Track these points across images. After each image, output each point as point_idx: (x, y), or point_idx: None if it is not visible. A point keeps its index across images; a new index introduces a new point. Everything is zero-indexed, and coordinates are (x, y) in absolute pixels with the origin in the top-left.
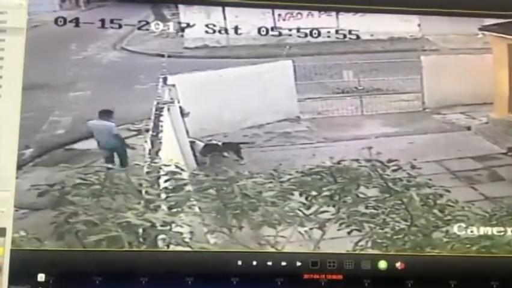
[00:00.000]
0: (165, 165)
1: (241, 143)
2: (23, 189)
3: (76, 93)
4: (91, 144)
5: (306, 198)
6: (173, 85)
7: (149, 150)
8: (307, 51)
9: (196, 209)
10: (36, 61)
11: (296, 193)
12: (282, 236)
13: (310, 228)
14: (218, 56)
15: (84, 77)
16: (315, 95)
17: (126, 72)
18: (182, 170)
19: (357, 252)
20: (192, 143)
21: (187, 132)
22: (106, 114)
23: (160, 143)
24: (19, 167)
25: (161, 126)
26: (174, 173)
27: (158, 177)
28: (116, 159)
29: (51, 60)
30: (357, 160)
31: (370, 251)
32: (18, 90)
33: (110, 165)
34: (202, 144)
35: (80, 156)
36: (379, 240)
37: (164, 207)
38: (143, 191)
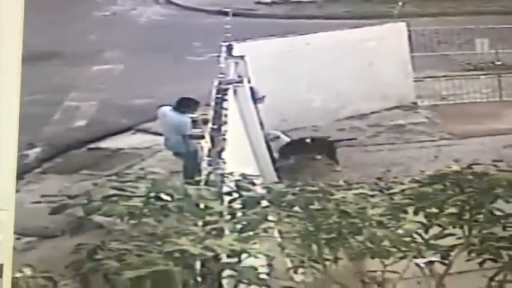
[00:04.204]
0: (230, 174)
1: (337, 141)
2: (26, 207)
3: (103, 67)
4: (125, 140)
5: (426, 217)
6: (242, 57)
7: (209, 151)
8: (427, 10)
9: (276, 234)
10: (42, 20)
11: (410, 210)
12: (392, 271)
13: (430, 261)
14: (304, 16)
15: (114, 43)
16: (437, 72)
17: (175, 38)
18: (254, 178)
19: None
20: (272, 139)
21: (262, 124)
22: (186, 104)
23: (224, 139)
24: (20, 175)
25: (226, 116)
26: (241, 186)
27: (222, 190)
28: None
29: (64, 18)
30: (495, 164)
31: None
32: (16, 62)
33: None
34: (284, 141)
35: (109, 159)
36: None
37: (230, 231)
38: (204, 209)
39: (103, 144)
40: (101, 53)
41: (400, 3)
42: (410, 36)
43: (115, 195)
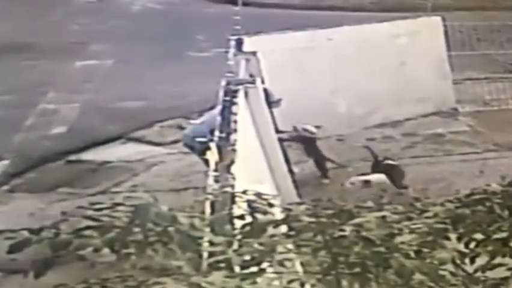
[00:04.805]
0: (244, 194)
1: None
2: None
3: (88, 63)
4: (113, 151)
5: (467, 245)
6: (254, 53)
7: (216, 164)
8: (465, 4)
9: (297, 267)
10: (13, 5)
11: (452, 236)
12: None
13: None
14: (325, 7)
15: (101, 35)
16: (478, 73)
17: (174, 29)
18: (271, 198)
19: None
20: (284, 142)
21: (277, 131)
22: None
23: (234, 150)
24: None
25: (235, 122)
26: (256, 208)
27: (230, 214)
28: None
29: (41, 4)
30: None
31: None
32: None
33: None
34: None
35: (94, 174)
36: None
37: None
38: (205, 239)
39: (86, 156)
40: (86, 46)
41: None
42: (446, 32)
43: (88, 227)
